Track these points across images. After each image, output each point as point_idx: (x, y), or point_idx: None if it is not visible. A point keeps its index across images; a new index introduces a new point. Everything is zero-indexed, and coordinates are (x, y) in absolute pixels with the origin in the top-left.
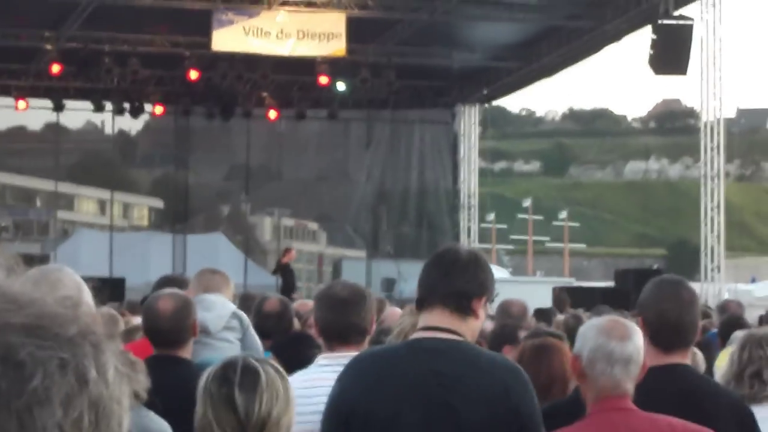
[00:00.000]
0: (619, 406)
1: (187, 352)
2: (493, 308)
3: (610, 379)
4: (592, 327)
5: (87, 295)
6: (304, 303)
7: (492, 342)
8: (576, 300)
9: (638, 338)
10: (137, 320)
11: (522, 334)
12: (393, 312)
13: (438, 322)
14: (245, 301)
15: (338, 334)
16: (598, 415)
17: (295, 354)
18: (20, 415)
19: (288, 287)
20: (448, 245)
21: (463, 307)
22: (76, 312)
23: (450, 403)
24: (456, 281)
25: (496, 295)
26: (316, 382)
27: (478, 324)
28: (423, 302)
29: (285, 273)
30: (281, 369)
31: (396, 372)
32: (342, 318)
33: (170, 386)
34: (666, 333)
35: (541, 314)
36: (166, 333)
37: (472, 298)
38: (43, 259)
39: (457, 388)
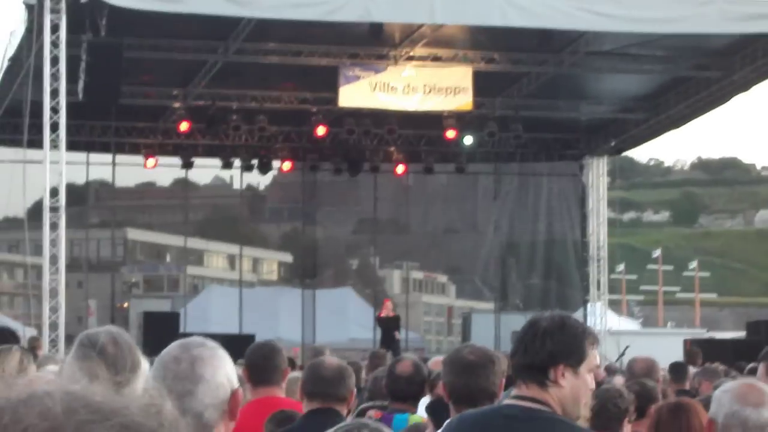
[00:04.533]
0: None
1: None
2: (623, 363)
3: None
4: (727, 392)
5: (226, 371)
6: (437, 361)
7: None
8: (708, 353)
9: None
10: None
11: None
12: None
13: (525, 391)
14: (373, 359)
15: (466, 398)
16: None
17: None
18: None
19: (385, 341)
20: (534, 317)
21: (540, 379)
22: (160, 419)
23: None
24: (529, 354)
25: (627, 347)
26: None
27: (565, 392)
28: (513, 375)
29: (382, 326)
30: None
31: None
32: (470, 382)
33: None
34: None
35: (677, 369)
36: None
37: (547, 369)
38: (173, 317)
39: None
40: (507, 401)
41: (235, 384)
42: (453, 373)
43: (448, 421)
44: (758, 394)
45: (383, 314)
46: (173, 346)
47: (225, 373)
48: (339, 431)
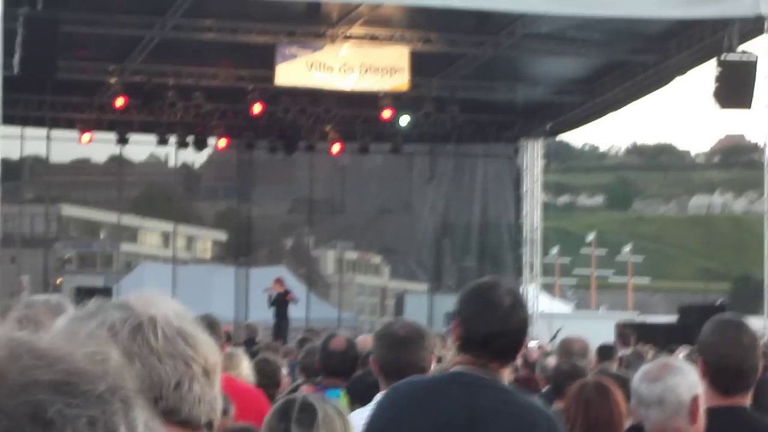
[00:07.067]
0: None
1: None
2: (555, 345)
3: (652, 421)
4: (638, 371)
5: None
6: (365, 338)
7: (563, 380)
8: (639, 335)
9: (674, 378)
10: None
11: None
12: None
13: (482, 361)
14: (309, 335)
15: (397, 372)
16: None
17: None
18: None
19: (278, 326)
20: (491, 282)
21: (512, 357)
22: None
23: None
24: (507, 334)
25: (560, 329)
26: None
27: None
28: (469, 342)
29: (274, 303)
30: (340, 408)
31: (431, 403)
32: (401, 356)
33: None
34: (725, 377)
35: (604, 352)
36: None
37: (520, 347)
38: (106, 292)
39: (488, 426)
40: (459, 368)
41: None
42: (384, 348)
43: (394, 385)
44: (658, 369)
45: (273, 292)
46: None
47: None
48: (284, 400)
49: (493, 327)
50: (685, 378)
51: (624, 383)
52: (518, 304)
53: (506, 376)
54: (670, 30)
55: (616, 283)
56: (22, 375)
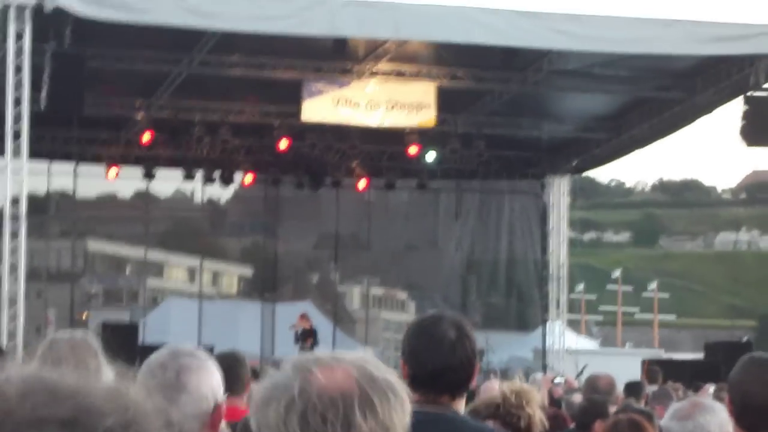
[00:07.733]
0: None
1: None
2: (581, 381)
3: None
4: (669, 410)
5: (211, 384)
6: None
7: (582, 416)
8: (666, 373)
9: (704, 416)
10: None
11: (612, 408)
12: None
13: (431, 397)
14: None
15: None
16: None
17: None
18: None
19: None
20: (434, 316)
21: (463, 389)
22: (123, 403)
23: None
24: (453, 368)
25: (585, 366)
26: None
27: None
28: (417, 379)
29: (299, 339)
30: None
31: None
32: None
33: None
34: (751, 415)
35: (631, 388)
36: None
37: (470, 379)
38: (132, 328)
39: None
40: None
41: (220, 397)
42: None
43: None
44: (689, 408)
45: (299, 328)
46: (162, 353)
47: (210, 385)
48: None
49: (438, 362)
50: (715, 416)
51: (649, 418)
52: (463, 337)
53: (461, 406)
54: (697, 67)
55: (642, 319)
56: (32, 412)
